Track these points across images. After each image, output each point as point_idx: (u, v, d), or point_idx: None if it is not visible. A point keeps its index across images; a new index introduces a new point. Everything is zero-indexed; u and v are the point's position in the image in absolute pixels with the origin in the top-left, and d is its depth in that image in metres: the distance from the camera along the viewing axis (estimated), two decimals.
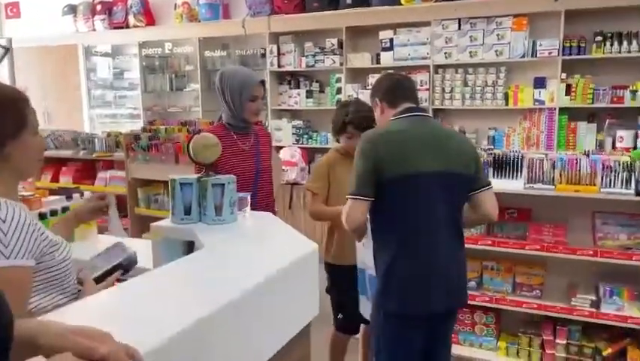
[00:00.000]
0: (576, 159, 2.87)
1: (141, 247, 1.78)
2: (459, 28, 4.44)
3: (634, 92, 4.01)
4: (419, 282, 1.90)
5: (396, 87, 2.07)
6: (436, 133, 1.98)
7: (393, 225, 1.91)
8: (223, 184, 1.82)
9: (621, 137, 4.07)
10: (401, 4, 4.56)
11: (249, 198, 1.98)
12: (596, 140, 4.17)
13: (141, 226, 4.23)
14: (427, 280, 1.90)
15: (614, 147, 4.09)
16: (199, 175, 1.86)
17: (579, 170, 2.80)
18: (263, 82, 2.55)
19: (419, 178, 1.86)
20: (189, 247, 1.89)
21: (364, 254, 2.25)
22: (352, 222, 1.91)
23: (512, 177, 2.98)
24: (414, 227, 1.88)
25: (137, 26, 5.86)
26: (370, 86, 4.87)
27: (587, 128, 4.21)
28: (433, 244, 1.90)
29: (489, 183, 2.02)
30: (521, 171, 2.97)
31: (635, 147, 4.03)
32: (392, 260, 1.90)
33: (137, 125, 5.09)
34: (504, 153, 3.09)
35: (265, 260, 1.47)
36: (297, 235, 1.72)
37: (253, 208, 2.48)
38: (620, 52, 4.00)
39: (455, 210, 1.96)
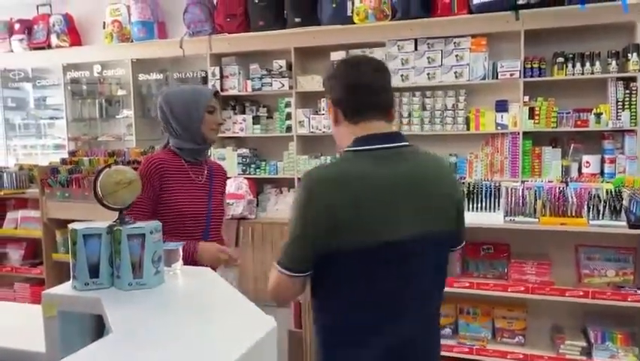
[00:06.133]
0: (558, 188, 2.58)
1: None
2: (415, 49, 4.17)
3: (598, 115, 3.83)
4: None
5: (359, 87, 1.39)
6: (416, 175, 1.37)
7: (347, 315, 1.38)
8: (143, 235, 1.34)
9: (587, 162, 3.87)
10: (354, 23, 4.24)
11: (180, 250, 1.51)
12: (562, 166, 3.95)
13: (60, 275, 3.63)
14: None
15: (580, 172, 3.88)
16: (110, 223, 1.37)
17: (564, 200, 2.50)
18: (217, 93, 2.19)
19: (394, 249, 1.32)
20: (101, 322, 1.40)
21: None
22: (281, 299, 1.46)
23: (488, 209, 2.64)
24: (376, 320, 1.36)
25: (61, 47, 5.27)
26: (323, 112, 4.53)
27: (551, 153, 3.99)
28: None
29: (465, 239, 1.57)
30: (498, 202, 2.65)
31: (602, 172, 3.84)
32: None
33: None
34: (477, 182, 2.76)
35: (207, 352, 0.99)
36: (247, 304, 1.26)
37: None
38: (582, 73, 3.83)
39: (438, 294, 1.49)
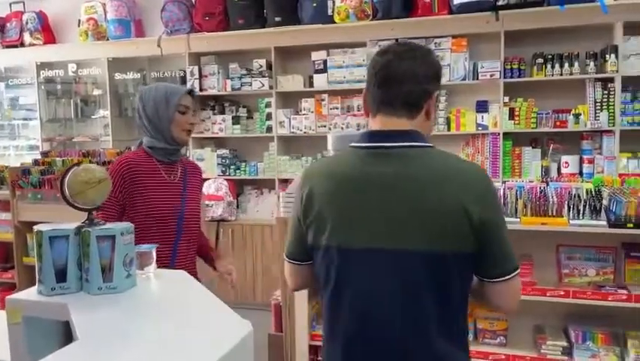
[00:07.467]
0: (539, 188, 2.57)
1: None
2: None
3: (577, 116, 3.86)
4: None
5: (376, 77, 1.24)
6: (406, 180, 1.18)
7: (325, 315, 1.34)
8: (113, 236, 1.28)
9: (566, 162, 3.90)
10: (335, 23, 4.21)
11: (153, 252, 1.45)
12: (542, 166, 3.97)
13: (32, 280, 3.51)
14: None
15: (559, 173, 3.91)
16: (78, 225, 1.30)
17: (545, 200, 2.49)
18: (192, 93, 2.08)
19: (349, 256, 1.22)
20: (70, 329, 1.33)
21: None
22: (292, 286, 1.47)
23: None
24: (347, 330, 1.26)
25: (35, 45, 5.13)
26: (303, 112, 4.49)
27: (531, 153, 4.01)
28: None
29: (510, 272, 1.22)
30: None
31: (580, 173, 3.87)
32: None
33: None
34: None
35: (181, 359, 0.94)
36: (222, 307, 1.21)
37: (173, 262, 1.97)
38: (561, 74, 3.85)
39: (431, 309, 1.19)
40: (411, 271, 1.17)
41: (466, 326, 1.33)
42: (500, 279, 1.21)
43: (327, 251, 1.25)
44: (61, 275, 1.28)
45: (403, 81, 1.22)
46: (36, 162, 3.50)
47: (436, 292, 1.18)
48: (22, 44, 5.20)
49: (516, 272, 1.23)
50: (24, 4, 5.30)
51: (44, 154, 3.82)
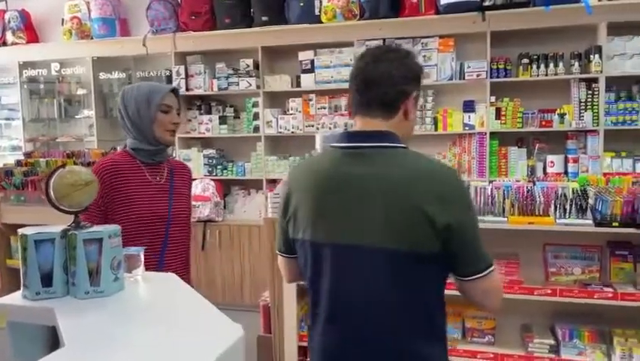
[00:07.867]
0: (526, 188, 2.59)
1: None
2: None
3: (562, 116, 3.90)
4: None
5: (353, 79, 1.30)
6: (377, 181, 1.21)
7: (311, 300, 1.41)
8: (100, 239, 1.26)
9: (552, 162, 3.94)
10: (322, 23, 4.20)
11: (141, 255, 1.43)
12: (528, 165, 4.00)
13: (15, 282, 3.46)
14: None
15: (545, 172, 3.94)
16: (65, 228, 1.28)
17: (532, 200, 2.51)
18: (176, 91, 2.01)
19: (324, 251, 1.27)
20: (55, 335, 1.31)
21: None
22: (284, 277, 1.55)
23: None
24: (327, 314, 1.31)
25: (17, 44, 5.05)
26: (291, 111, 4.48)
27: (517, 153, 4.05)
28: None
29: (482, 270, 1.23)
30: None
31: (565, 172, 3.91)
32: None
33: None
34: None
35: None
36: (212, 311, 1.19)
37: (161, 265, 1.94)
38: (546, 74, 3.89)
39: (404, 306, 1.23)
40: (392, 269, 1.20)
41: (444, 324, 1.35)
42: (474, 277, 1.24)
43: (302, 246, 1.32)
44: (47, 279, 1.26)
45: (380, 83, 1.26)
46: (19, 163, 3.45)
47: (413, 290, 1.22)
48: (4, 43, 5.11)
49: (489, 270, 1.25)
50: (6, 3, 5.21)
51: (27, 155, 3.76)
